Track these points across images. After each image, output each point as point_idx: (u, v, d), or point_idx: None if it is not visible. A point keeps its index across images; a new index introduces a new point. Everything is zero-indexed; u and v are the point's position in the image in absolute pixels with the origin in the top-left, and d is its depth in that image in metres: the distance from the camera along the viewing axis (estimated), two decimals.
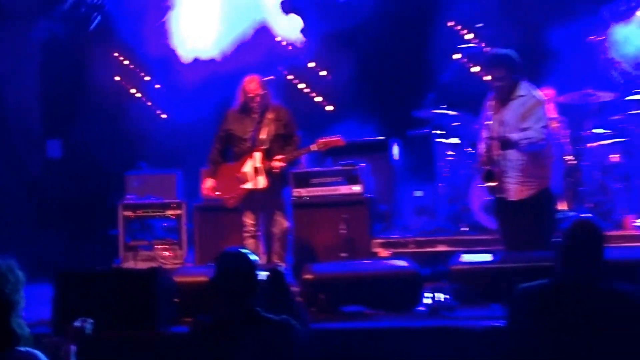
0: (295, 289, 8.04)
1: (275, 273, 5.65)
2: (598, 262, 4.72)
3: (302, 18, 11.04)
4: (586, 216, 4.95)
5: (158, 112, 12.57)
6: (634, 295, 4.69)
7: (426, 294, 7.58)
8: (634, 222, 10.01)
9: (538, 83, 9.67)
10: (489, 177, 8.17)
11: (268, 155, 9.02)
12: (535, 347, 4.65)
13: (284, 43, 11.46)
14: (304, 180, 10.22)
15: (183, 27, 11.11)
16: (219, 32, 10.96)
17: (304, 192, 10.19)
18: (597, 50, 10.72)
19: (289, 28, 11.06)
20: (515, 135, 7.96)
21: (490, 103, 8.36)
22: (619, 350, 4.54)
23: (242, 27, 10.86)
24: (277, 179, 9.13)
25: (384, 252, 10.14)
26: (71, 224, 11.63)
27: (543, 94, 9.57)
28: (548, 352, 4.61)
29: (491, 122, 8.23)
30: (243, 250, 5.16)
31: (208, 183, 9.30)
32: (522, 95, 8.13)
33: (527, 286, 4.81)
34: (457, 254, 8.59)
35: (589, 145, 10.40)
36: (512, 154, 8.09)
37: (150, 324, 6.99)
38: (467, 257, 7.96)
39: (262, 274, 5.26)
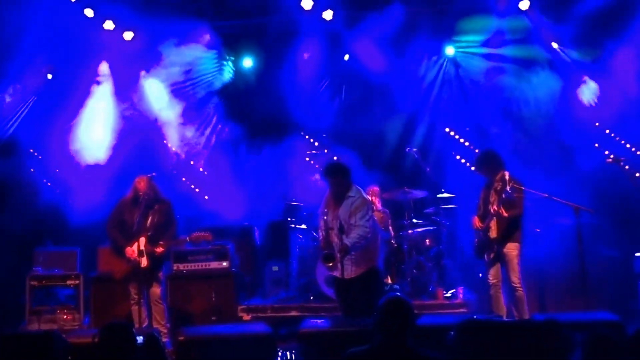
0: (170, 349, 7.83)
1: (150, 337, 5.42)
2: (407, 329, 4.65)
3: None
4: (396, 294, 4.88)
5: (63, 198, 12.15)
6: None
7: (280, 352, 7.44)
8: (445, 293, 10.08)
9: (367, 183, 9.76)
10: (328, 258, 8.09)
11: (151, 240, 8.84)
12: None
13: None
14: (182, 257, 10.19)
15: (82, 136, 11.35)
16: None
17: (182, 266, 10.14)
18: (415, 159, 10.90)
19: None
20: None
21: (328, 199, 8.31)
22: None
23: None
24: (156, 259, 8.94)
25: (246, 316, 10.00)
26: None
27: (370, 191, 9.69)
28: None
29: (328, 215, 8.19)
30: (122, 322, 4.94)
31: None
32: (351, 196, 8.10)
33: (354, 350, 4.72)
34: (306, 319, 8.48)
35: (408, 231, 10.48)
36: (347, 240, 8.02)
37: None
38: (313, 322, 7.82)
39: (139, 338, 5.04)
